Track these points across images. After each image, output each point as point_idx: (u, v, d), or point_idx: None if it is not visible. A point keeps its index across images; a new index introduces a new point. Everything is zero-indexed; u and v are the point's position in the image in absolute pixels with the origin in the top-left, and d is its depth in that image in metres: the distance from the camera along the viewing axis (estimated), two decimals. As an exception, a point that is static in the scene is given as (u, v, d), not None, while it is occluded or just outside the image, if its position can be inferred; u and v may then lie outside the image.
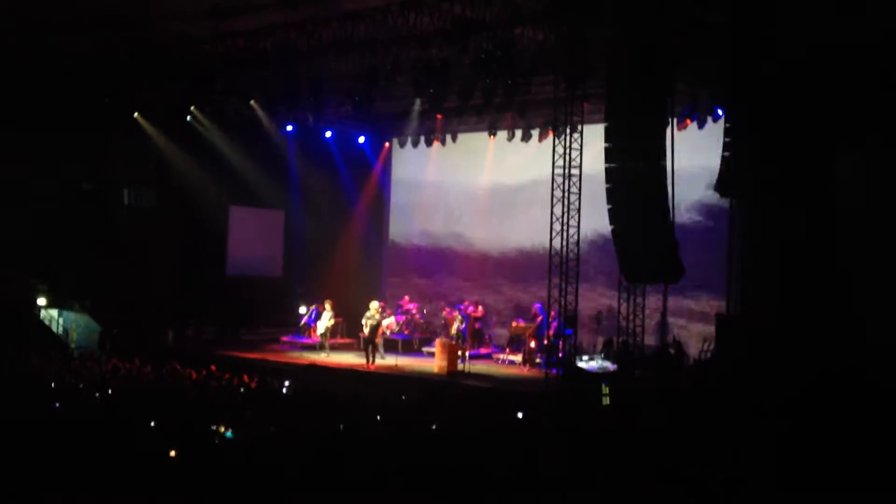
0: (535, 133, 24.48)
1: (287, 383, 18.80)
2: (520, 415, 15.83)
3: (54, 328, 25.90)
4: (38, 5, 19.99)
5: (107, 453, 11.18)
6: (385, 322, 22.19)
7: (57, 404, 14.59)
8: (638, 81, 16.89)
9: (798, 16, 17.07)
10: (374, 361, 21.36)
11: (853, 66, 17.69)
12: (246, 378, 18.45)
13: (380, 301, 23.45)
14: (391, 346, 22.93)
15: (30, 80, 23.86)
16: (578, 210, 18.23)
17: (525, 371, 21.30)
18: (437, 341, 21.70)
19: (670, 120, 17.99)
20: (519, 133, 24.81)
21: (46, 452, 11.23)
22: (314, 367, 21.20)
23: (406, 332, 24.53)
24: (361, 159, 28.87)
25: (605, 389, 17.41)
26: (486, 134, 25.68)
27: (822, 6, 16.60)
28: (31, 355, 20.30)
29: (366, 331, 21.65)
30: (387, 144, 28.91)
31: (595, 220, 18.99)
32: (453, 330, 22.57)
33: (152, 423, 13.03)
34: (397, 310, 25.05)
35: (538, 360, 21.12)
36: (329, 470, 10.99)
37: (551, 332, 19.56)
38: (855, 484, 11.25)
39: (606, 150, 17.24)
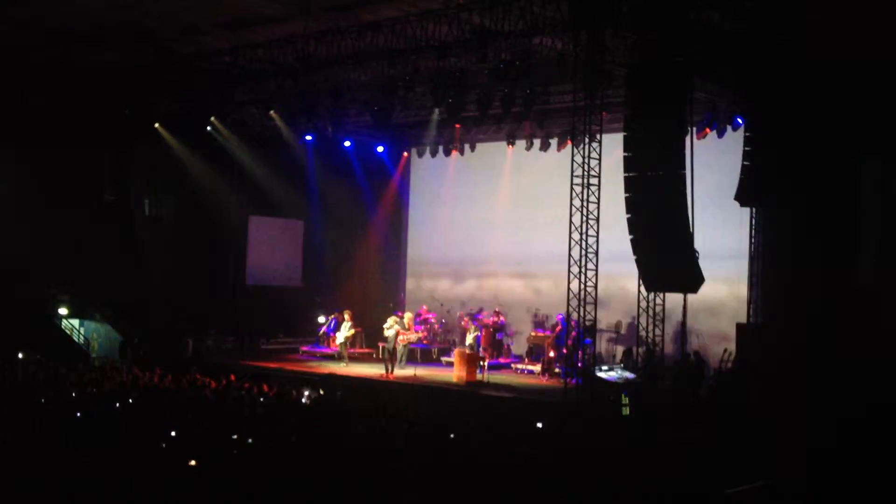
0: (554, 142, 24.45)
1: (306, 393, 18.83)
2: (539, 425, 15.76)
3: (75, 338, 26.07)
4: (61, 19, 20.18)
5: (127, 462, 11.22)
6: (401, 338, 22.07)
7: (78, 414, 14.66)
8: (657, 90, 16.84)
9: (817, 24, 16.99)
10: (393, 371, 21.34)
11: (874, 73, 17.59)
12: (266, 388, 18.50)
13: (400, 312, 23.49)
14: (410, 356, 22.89)
15: (52, 91, 24.10)
16: (597, 219, 18.17)
17: (544, 381, 21.22)
18: (456, 351, 21.66)
19: (689, 129, 17.92)
20: (537, 142, 24.78)
21: (66, 462, 11.28)
22: (333, 377, 21.22)
23: (425, 342, 24.52)
24: (380, 169, 28.94)
25: (625, 399, 17.32)
26: (504, 143, 25.69)
27: (842, 14, 16.50)
28: (52, 365, 20.43)
29: (388, 340, 21.61)
30: (405, 154, 28.97)
31: (614, 229, 18.91)
32: (468, 340, 22.54)
33: (172, 433, 13.06)
34: (416, 319, 25.04)
35: (557, 370, 21.05)
36: (347, 479, 10.98)
37: (570, 341, 19.50)
38: (875, 494, 11.14)
39: (625, 159, 17.19)
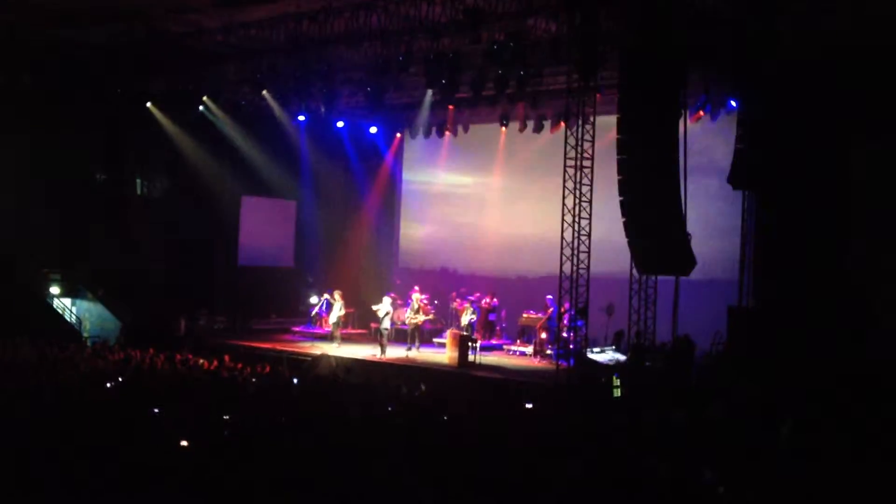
0: (547, 124, 24.40)
1: (298, 373, 18.87)
2: (528, 405, 15.84)
3: (67, 317, 26.04)
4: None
5: (118, 443, 11.23)
6: (408, 317, 22.33)
7: (70, 394, 14.67)
8: (651, 73, 16.82)
9: (812, 7, 16.96)
10: (385, 353, 21.39)
11: (867, 57, 17.59)
12: (258, 368, 18.53)
13: (393, 293, 23.55)
14: (401, 337, 22.94)
15: (44, 70, 23.95)
16: (590, 201, 18.18)
17: (536, 362, 21.31)
18: (449, 332, 21.72)
19: (683, 111, 17.91)
20: (531, 124, 24.74)
21: (57, 442, 11.30)
22: (325, 358, 21.25)
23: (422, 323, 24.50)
24: (373, 150, 28.89)
25: (616, 381, 17.41)
26: (497, 125, 25.63)
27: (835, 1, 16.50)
28: (43, 344, 20.41)
29: (383, 322, 21.65)
30: (398, 135, 28.88)
31: (607, 211, 18.96)
32: (464, 321, 22.58)
33: (165, 413, 13.08)
34: (407, 300, 25.05)
35: (549, 352, 21.13)
36: (340, 459, 11.02)
37: (564, 323, 19.55)
38: (861, 481, 11.21)
39: (619, 141, 17.18)
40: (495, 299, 24.18)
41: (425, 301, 25.17)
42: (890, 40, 17.11)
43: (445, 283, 26.63)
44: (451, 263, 27.60)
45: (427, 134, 27.10)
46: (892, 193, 18.02)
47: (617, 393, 17.32)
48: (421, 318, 22.46)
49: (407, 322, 22.49)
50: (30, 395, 14.39)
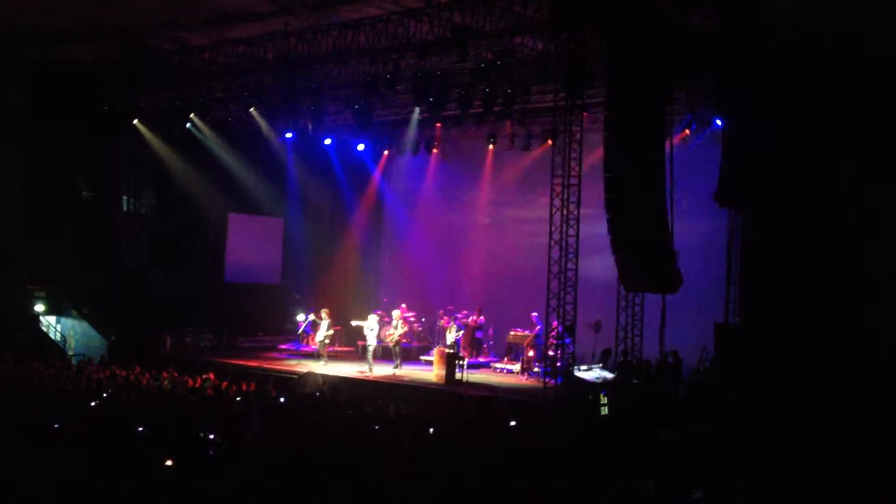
0: (535, 142, 24.48)
1: (285, 391, 18.77)
2: (512, 423, 15.82)
3: (52, 335, 25.86)
4: (41, 13, 20.00)
5: (103, 462, 11.15)
6: (389, 333, 22.27)
7: (54, 412, 14.54)
8: (637, 91, 16.89)
9: (796, 27, 17.12)
10: (372, 370, 21.33)
11: (850, 76, 17.76)
12: (244, 386, 18.43)
13: (380, 311, 23.52)
14: (388, 354, 22.88)
15: (31, 86, 23.90)
16: (577, 219, 18.22)
17: (523, 380, 21.27)
18: (436, 350, 21.68)
19: (669, 130, 17.99)
20: (518, 142, 24.81)
21: (42, 459, 11.21)
22: (312, 376, 21.17)
23: (404, 341, 24.49)
24: (360, 167, 28.90)
25: (604, 399, 17.39)
26: (485, 142, 25.70)
27: (819, 18, 16.64)
28: (28, 362, 20.27)
29: (369, 339, 21.60)
30: (386, 152, 28.89)
31: (594, 229, 19.00)
32: (449, 339, 22.57)
33: (149, 432, 12.99)
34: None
35: (536, 370, 21.10)
36: (327, 476, 10.97)
37: (550, 341, 19.54)
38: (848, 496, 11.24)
39: (605, 159, 17.24)
40: (482, 317, 24.17)
41: (412, 318, 25.18)
42: (872, 59, 17.28)
43: (433, 301, 26.60)
44: (439, 280, 27.56)
45: (415, 151, 27.13)
46: (874, 210, 18.15)
47: (604, 411, 17.30)
48: (397, 332, 22.28)
49: (386, 339, 22.42)
50: (12, 412, 14.28)
